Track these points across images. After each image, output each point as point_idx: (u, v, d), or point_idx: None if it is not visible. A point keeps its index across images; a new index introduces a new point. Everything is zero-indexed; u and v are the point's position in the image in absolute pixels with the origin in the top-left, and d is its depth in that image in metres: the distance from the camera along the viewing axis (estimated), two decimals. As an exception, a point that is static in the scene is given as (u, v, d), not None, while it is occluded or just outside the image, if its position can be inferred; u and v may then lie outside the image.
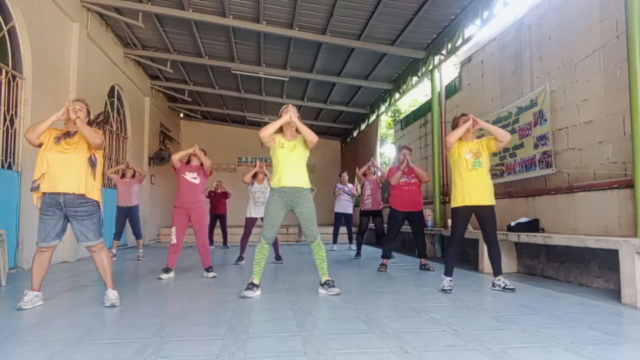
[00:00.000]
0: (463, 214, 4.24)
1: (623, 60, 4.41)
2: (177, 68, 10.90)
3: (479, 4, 6.83)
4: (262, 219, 4.33)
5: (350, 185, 9.04)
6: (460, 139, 4.30)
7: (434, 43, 8.26)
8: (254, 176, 6.72)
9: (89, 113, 3.71)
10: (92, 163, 3.62)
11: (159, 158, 12.14)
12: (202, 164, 5.39)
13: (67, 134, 3.59)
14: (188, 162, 5.39)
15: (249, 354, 2.30)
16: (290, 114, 4.05)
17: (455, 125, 4.33)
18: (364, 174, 7.52)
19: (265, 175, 6.66)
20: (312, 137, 4.05)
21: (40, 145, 3.58)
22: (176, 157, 5.35)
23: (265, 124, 4.17)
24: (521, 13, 6.39)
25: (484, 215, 4.23)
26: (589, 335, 2.64)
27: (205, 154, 5.45)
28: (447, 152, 4.38)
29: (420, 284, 4.72)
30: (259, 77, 10.85)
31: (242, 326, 2.87)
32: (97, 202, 3.65)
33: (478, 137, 4.49)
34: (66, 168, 3.50)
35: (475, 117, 4.27)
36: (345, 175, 9.14)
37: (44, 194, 3.53)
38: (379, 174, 7.49)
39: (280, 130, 4.17)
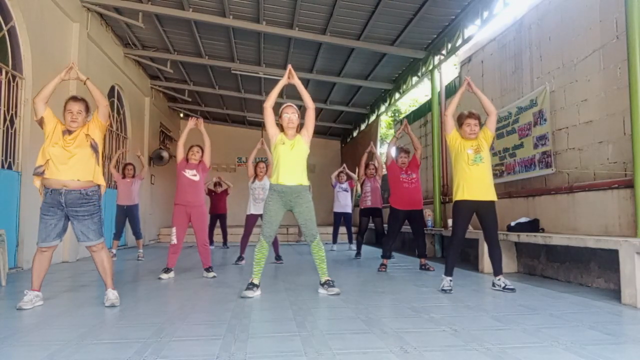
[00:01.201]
0: (464, 209, 4.23)
1: (623, 60, 4.41)
2: (177, 68, 10.90)
3: (479, 4, 6.83)
4: (262, 216, 4.33)
5: (346, 183, 9.02)
6: (462, 137, 4.30)
7: (434, 43, 8.26)
8: (255, 175, 6.72)
9: (88, 110, 3.69)
10: (94, 149, 3.62)
11: (159, 157, 12.14)
12: (200, 161, 5.38)
13: (68, 132, 3.58)
14: (187, 159, 5.39)
15: (249, 354, 2.30)
16: (288, 72, 4.20)
17: (460, 124, 4.31)
18: (367, 175, 7.53)
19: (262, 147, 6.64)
20: (310, 101, 4.24)
21: (41, 122, 3.56)
22: (181, 141, 5.39)
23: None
24: (521, 13, 6.39)
25: (484, 213, 4.22)
26: (589, 335, 2.64)
27: (202, 152, 5.43)
28: (446, 135, 4.37)
29: (420, 284, 4.72)
30: (259, 77, 10.86)
31: (242, 326, 2.87)
32: (100, 189, 3.66)
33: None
34: (70, 160, 3.49)
35: (471, 81, 4.34)
36: (344, 175, 9.13)
37: (45, 193, 3.53)
38: (377, 164, 7.56)
39: (282, 128, 4.20)
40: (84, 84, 3.73)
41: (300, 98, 4.37)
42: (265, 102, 4.18)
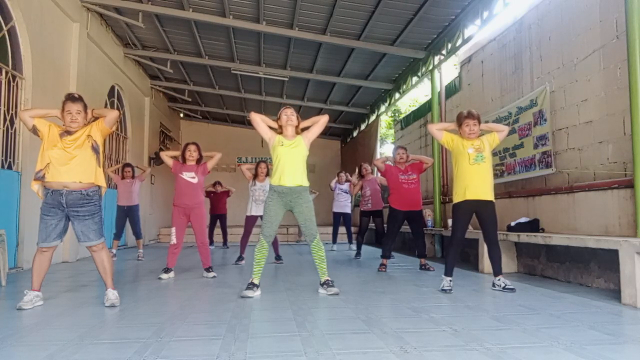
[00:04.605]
0: (464, 210, 4.23)
1: (623, 60, 4.41)
2: (177, 68, 10.90)
3: (479, 4, 6.83)
4: (262, 217, 4.33)
5: (347, 184, 9.02)
6: (462, 137, 4.30)
7: (434, 43, 8.26)
8: (255, 176, 6.72)
9: (86, 110, 3.68)
10: (95, 150, 3.63)
11: (159, 158, 12.16)
12: (198, 163, 5.36)
13: (67, 133, 3.58)
14: (184, 161, 5.34)
15: (249, 354, 2.30)
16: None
17: (460, 124, 4.31)
18: (362, 175, 7.55)
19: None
20: (321, 117, 4.26)
21: (34, 130, 3.56)
22: (165, 155, 5.45)
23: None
24: (521, 13, 6.39)
25: (484, 212, 4.22)
26: (589, 335, 2.64)
27: (199, 149, 5.41)
28: (440, 142, 4.45)
29: (421, 284, 4.72)
30: (259, 77, 10.85)
31: (242, 326, 2.87)
32: (100, 190, 3.66)
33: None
34: (71, 162, 3.49)
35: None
36: (343, 175, 9.13)
37: (46, 194, 3.53)
38: (379, 174, 7.54)
39: (280, 129, 4.20)
40: (92, 114, 3.74)
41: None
42: (252, 113, 4.19)
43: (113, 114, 3.77)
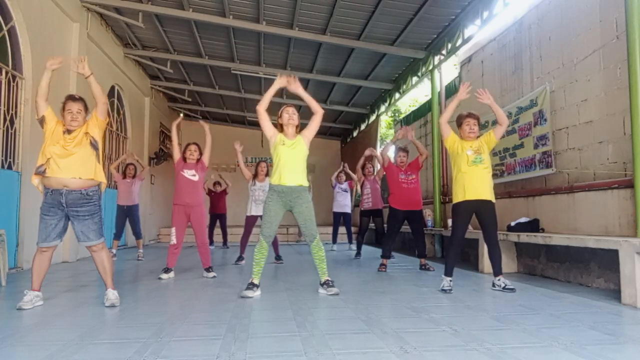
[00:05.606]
0: (464, 210, 4.23)
1: (623, 60, 4.41)
2: (177, 68, 10.90)
3: (479, 4, 6.83)
4: (262, 217, 4.33)
5: (346, 183, 9.04)
6: (462, 138, 4.31)
7: (434, 43, 8.26)
8: (255, 175, 6.72)
9: (87, 109, 3.69)
10: (94, 147, 3.63)
11: (159, 158, 12.17)
12: (198, 161, 5.37)
13: (68, 132, 3.59)
14: (185, 160, 5.37)
15: (249, 354, 2.30)
16: (290, 78, 4.29)
17: (460, 124, 4.33)
18: (365, 175, 7.56)
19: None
20: (318, 106, 4.26)
21: (41, 120, 3.56)
22: (175, 142, 5.44)
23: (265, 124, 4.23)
24: (521, 13, 6.39)
25: (484, 213, 4.22)
26: (589, 335, 2.64)
27: (200, 148, 5.43)
28: (444, 140, 4.37)
29: (421, 284, 4.72)
30: (259, 77, 10.86)
31: (242, 326, 2.87)
32: (100, 189, 3.66)
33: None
34: (70, 159, 3.50)
35: (484, 92, 4.24)
36: (343, 176, 9.13)
37: (45, 194, 3.53)
38: (378, 167, 7.55)
39: (282, 129, 4.20)
40: (86, 78, 3.68)
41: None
42: (258, 105, 4.18)
43: (102, 103, 3.67)
